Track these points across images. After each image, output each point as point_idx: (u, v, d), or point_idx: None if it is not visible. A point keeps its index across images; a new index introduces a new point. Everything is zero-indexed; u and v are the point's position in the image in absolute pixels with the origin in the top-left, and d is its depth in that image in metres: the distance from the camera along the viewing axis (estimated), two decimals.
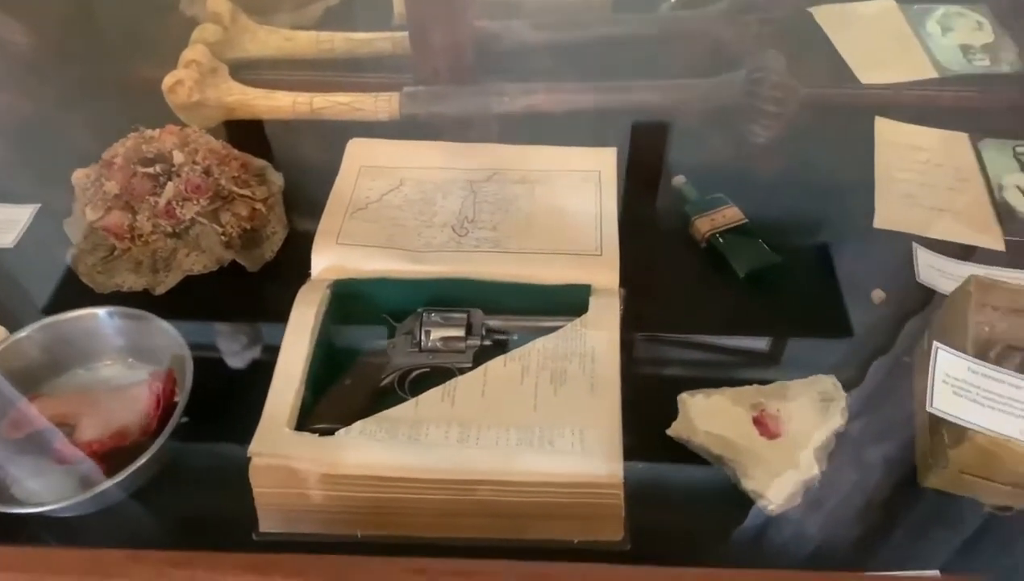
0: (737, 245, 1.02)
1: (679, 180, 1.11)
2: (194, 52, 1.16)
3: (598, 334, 0.89)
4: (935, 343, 0.80)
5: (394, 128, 1.17)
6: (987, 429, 0.76)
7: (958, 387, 0.78)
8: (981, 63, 1.32)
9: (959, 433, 0.77)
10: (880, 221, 1.09)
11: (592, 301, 0.92)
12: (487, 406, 0.84)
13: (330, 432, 0.80)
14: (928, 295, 1.00)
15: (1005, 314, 0.88)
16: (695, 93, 1.14)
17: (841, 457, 0.85)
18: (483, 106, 1.16)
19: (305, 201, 1.08)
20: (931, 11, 1.41)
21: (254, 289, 1.00)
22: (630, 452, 0.80)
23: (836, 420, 0.86)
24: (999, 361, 0.84)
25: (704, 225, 1.05)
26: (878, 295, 0.98)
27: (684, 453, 0.86)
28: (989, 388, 0.78)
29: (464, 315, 0.90)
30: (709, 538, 0.82)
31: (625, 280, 0.96)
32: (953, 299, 0.89)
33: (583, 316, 0.90)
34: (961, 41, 1.36)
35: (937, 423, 0.80)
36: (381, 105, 1.17)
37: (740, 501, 0.82)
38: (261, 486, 0.78)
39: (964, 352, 0.81)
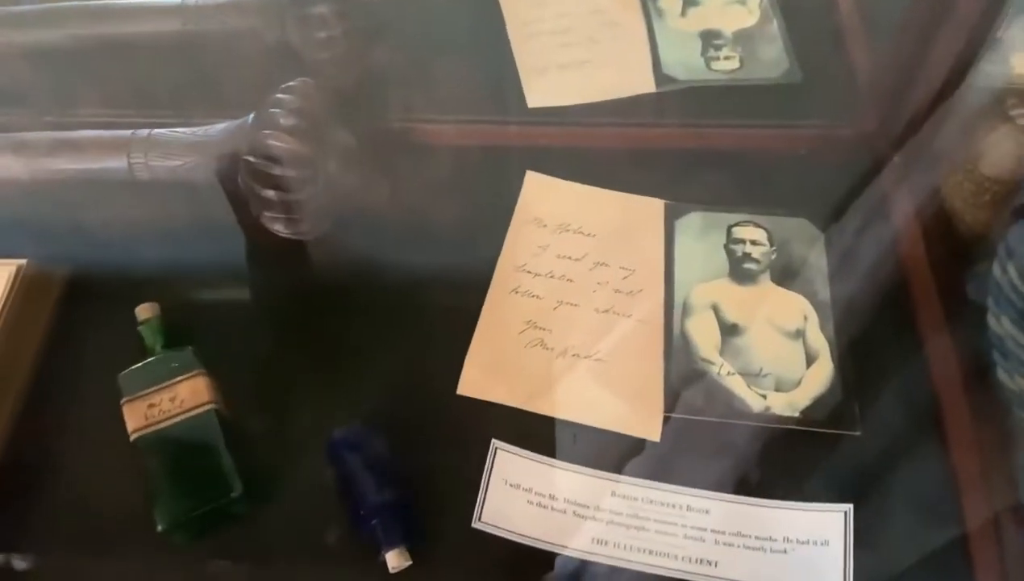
0: (170, 461, 0.60)
1: (144, 313, 0.67)
2: None
3: None
4: None
5: None
6: None
7: None
8: (725, 65, 0.87)
9: None
10: (465, 386, 0.67)
11: None
12: None
13: None
14: None
15: None
16: (178, 152, 0.69)
17: None
18: None
19: None
20: None
21: None
22: None
23: None
24: None
25: (136, 415, 0.62)
26: (395, 559, 0.57)
27: None
28: None
29: None
30: None
31: None
32: None
33: None
34: (705, 25, 0.90)
35: None
36: None
37: None
38: None
39: None
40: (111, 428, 0.62)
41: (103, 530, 0.60)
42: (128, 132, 0.69)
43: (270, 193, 0.65)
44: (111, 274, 0.74)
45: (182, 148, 0.69)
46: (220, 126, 0.70)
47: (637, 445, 0.64)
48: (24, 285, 0.67)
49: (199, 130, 0.70)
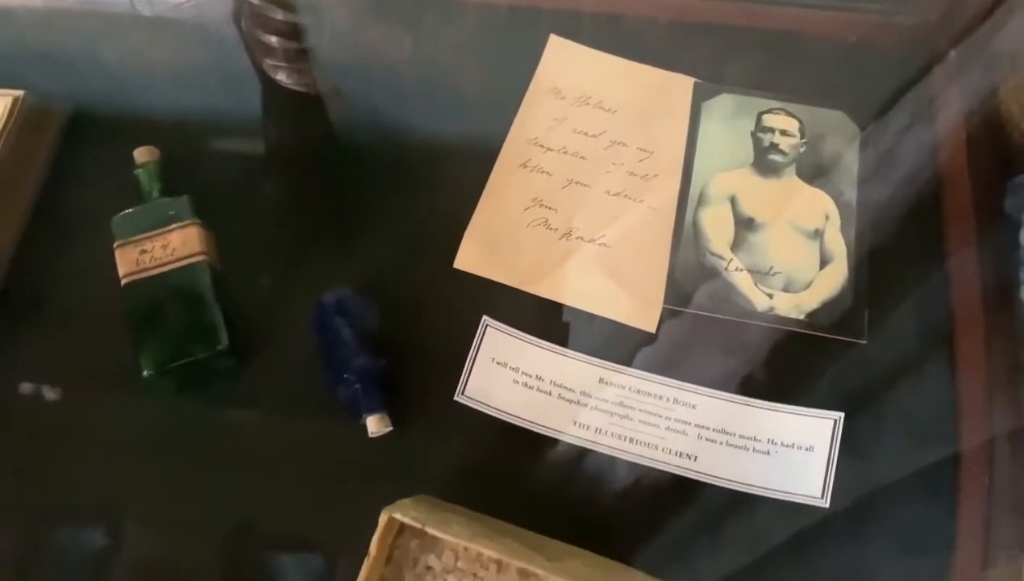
0: (159, 309, 0.61)
1: (143, 156, 0.67)
2: None
3: None
4: None
5: None
6: None
7: None
8: None
9: None
10: (462, 261, 0.66)
11: None
12: None
13: None
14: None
15: None
16: None
17: None
18: None
19: None
20: None
21: None
22: None
23: None
24: None
25: (127, 260, 0.62)
26: (375, 424, 0.58)
27: None
28: None
29: None
30: None
31: None
32: None
33: None
34: None
35: None
36: None
37: None
38: None
39: None
40: (105, 270, 0.63)
41: (90, 374, 0.62)
42: None
43: (271, 39, 0.63)
44: (115, 114, 0.73)
45: None
46: None
47: (631, 335, 0.64)
48: (24, 116, 0.67)
49: None
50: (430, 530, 0.45)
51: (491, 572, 0.47)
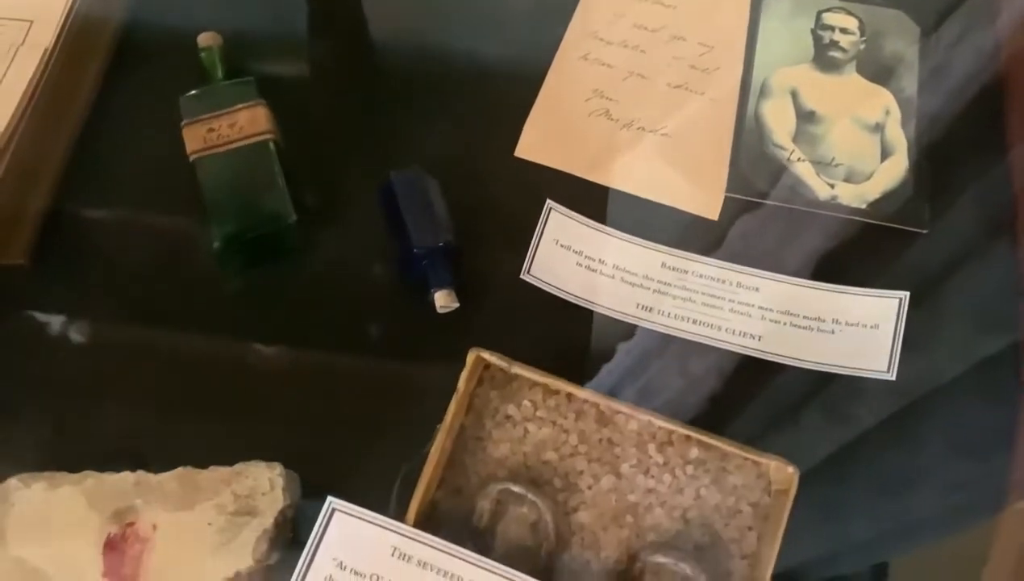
0: (228, 183, 0.62)
1: (206, 41, 0.68)
2: None
3: None
4: None
5: None
6: None
7: None
8: None
9: None
10: (523, 149, 0.67)
11: None
12: None
13: None
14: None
15: None
16: None
17: None
18: None
19: None
20: None
21: None
22: None
23: (243, 558, 0.51)
24: None
25: (195, 138, 0.63)
26: (443, 298, 0.59)
27: None
28: None
29: None
30: None
31: None
32: None
33: None
34: None
35: None
36: None
37: None
38: None
39: None
40: (168, 153, 0.64)
41: (159, 251, 0.63)
42: None
43: None
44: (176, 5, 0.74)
45: None
46: None
47: (693, 222, 0.64)
48: (87, 4, 0.67)
49: None
50: (516, 369, 0.46)
51: (569, 420, 0.48)
